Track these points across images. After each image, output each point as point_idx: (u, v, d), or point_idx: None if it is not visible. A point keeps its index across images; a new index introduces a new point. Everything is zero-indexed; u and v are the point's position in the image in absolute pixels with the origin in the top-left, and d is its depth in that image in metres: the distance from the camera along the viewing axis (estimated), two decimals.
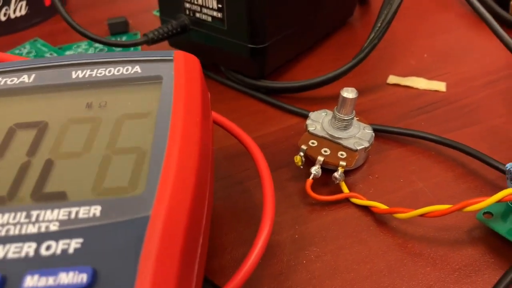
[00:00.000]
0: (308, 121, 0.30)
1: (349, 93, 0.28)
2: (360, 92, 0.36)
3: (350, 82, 0.37)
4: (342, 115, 0.28)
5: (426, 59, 0.39)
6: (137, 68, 0.22)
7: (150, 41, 0.35)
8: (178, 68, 0.22)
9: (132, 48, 0.41)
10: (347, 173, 0.29)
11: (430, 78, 0.37)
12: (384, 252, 0.25)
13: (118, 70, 0.22)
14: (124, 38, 0.44)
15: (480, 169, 0.29)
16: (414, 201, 0.28)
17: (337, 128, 0.29)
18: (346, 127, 0.29)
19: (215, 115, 0.27)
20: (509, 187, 0.24)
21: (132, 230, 0.16)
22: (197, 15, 0.35)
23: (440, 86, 0.36)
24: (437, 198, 0.28)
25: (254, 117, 0.34)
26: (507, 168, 0.24)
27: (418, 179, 0.29)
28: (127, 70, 0.22)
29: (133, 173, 0.18)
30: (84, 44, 0.43)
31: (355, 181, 0.29)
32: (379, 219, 0.27)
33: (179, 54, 0.23)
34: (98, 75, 0.22)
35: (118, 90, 0.22)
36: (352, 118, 0.29)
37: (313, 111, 0.33)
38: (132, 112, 0.21)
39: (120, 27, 0.45)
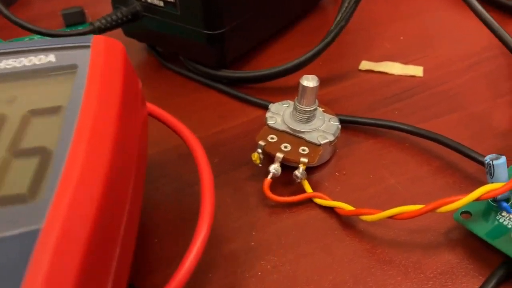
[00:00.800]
0: (268, 114, 0.27)
1: (309, 81, 0.24)
2: (330, 80, 0.33)
3: (319, 69, 0.34)
4: (303, 106, 0.25)
5: (402, 42, 0.36)
6: (51, 57, 0.19)
7: (97, 31, 0.32)
8: (95, 56, 0.19)
9: None
10: (311, 170, 0.26)
11: (406, 62, 0.34)
12: (350, 260, 0.22)
13: (30, 61, 0.19)
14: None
15: (460, 162, 0.26)
16: (386, 200, 0.25)
17: (299, 121, 0.26)
18: (308, 120, 0.26)
19: (154, 108, 0.24)
20: (489, 183, 0.21)
21: (19, 246, 0.13)
22: (149, 0, 0.32)
23: (416, 71, 0.33)
24: (411, 195, 0.25)
25: (214, 111, 0.31)
26: (486, 162, 0.21)
27: (390, 174, 0.26)
28: (40, 60, 0.19)
29: (35, 178, 0.15)
30: (37, 37, 0.40)
31: (320, 178, 0.26)
32: (345, 222, 0.24)
33: (98, 40, 0.20)
34: (7, 66, 0.19)
35: (28, 83, 0.19)
36: (315, 109, 0.26)
37: (275, 102, 0.30)
38: (41, 108, 0.18)
39: (75, 18, 0.41)
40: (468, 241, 0.22)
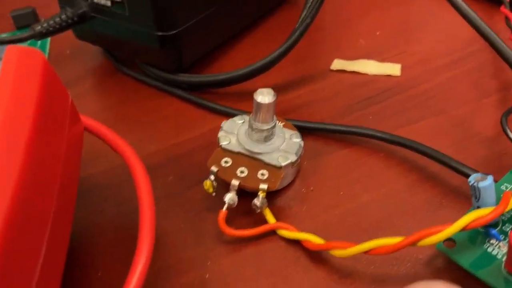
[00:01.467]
0: (221, 133, 0.24)
1: (264, 96, 0.21)
2: (299, 82, 0.30)
3: (287, 70, 0.31)
4: (260, 125, 0.22)
5: (379, 38, 0.33)
6: None
7: (38, 35, 0.28)
8: (6, 68, 0.16)
9: None
10: (274, 191, 0.23)
11: (382, 59, 0.31)
12: None
13: None
14: None
15: (441, 173, 0.23)
16: (358, 221, 0.22)
17: (256, 141, 0.23)
18: (266, 139, 0.23)
19: (90, 123, 0.21)
20: (474, 206, 0.18)
21: None
22: None
23: (394, 69, 0.30)
24: (386, 215, 0.22)
25: (171, 120, 0.28)
26: (471, 183, 0.18)
27: (364, 190, 0.23)
28: None
29: None
30: None
31: (284, 199, 0.23)
32: (312, 251, 0.21)
33: (11, 50, 0.17)
34: None
35: None
36: (274, 127, 0.22)
37: (238, 110, 0.27)
38: None
39: (26, 19, 0.38)
40: (452, 268, 0.19)
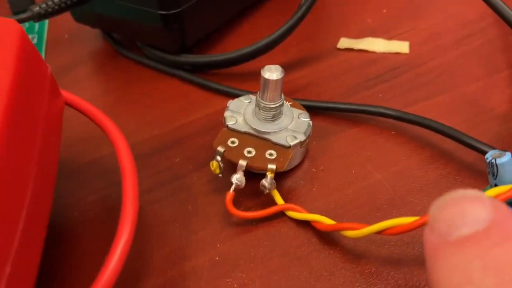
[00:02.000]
0: (227, 113, 0.23)
1: (272, 72, 0.21)
2: (305, 61, 0.29)
3: (293, 49, 0.30)
4: (267, 103, 0.21)
5: (385, 15, 0.32)
6: None
7: (37, 17, 0.28)
8: None
9: None
10: (282, 172, 0.23)
11: (390, 37, 0.30)
12: (330, 274, 0.19)
13: None
14: None
15: (454, 150, 0.23)
16: (371, 201, 0.21)
17: (263, 120, 0.22)
18: (274, 118, 0.22)
19: (73, 98, 0.21)
20: (491, 183, 0.17)
21: None
22: None
23: (402, 46, 0.29)
24: (399, 194, 0.21)
25: (174, 102, 0.28)
26: (488, 160, 0.17)
27: (375, 168, 0.23)
28: None
29: None
30: None
31: (294, 180, 0.23)
32: (323, 232, 0.20)
33: None
34: None
35: None
36: (281, 105, 0.22)
37: (243, 90, 0.27)
38: None
39: (23, 3, 0.37)
40: None
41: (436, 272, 0.13)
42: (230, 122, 0.22)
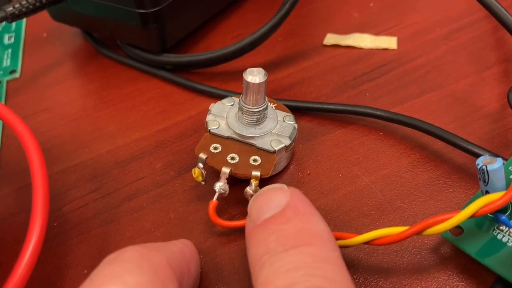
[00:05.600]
0: (209, 117, 0.22)
1: (254, 75, 0.20)
2: (290, 59, 0.28)
3: (278, 46, 0.29)
4: (250, 107, 0.21)
5: (372, 9, 0.31)
6: None
7: (10, 17, 0.26)
8: None
9: None
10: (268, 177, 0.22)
11: (377, 33, 0.29)
12: None
13: None
14: None
15: (444, 152, 0.22)
16: (357, 205, 0.21)
17: (247, 124, 0.21)
18: (258, 122, 0.21)
19: None
20: (482, 190, 0.17)
21: None
22: None
23: (390, 42, 0.28)
24: (388, 198, 0.21)
25: (156, 104, 0.27)
26: (479, 166, 0.17)
27: (363, 172, 0.22)
28: None
29: None
30: None
31: (280, 182, 0.22)
32: None
33: None
34: None
35: None
36: (265, 109, 0.21)
37: (227, 91, 0.26)
38: None
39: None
40: (459, 255, 0.18)
41: (248, 252, 0.16)
42: (212, 127, 0.21)
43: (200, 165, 0.20)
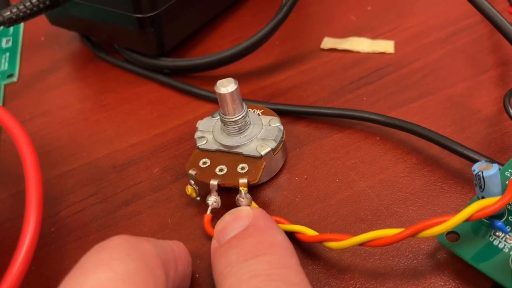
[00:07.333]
0: (197, 134, 0.22)
1: (225, 86, 0.20)
2: (288, 63, 0.28)
3: (276, 50, 0.29)
4: (230, 117, 0.21)
5: (370, 13, 0.31)
6: None
7: (7, 22, 0.27)
8: None
9: None
10: (263, 184, 0.22)
11: (375, 36, 0.29)
12: None
13: None
14: None
15: (441, 156, 0.22)
16: (354, 210, 0.21)
17: (231, 134, 0.21)
18: (241, 130, 0.21)
19: None
20: (478, 196, 0.17)
21: None
22: None
23: (387, 46, 0.28)
24: (385, 203, 0.21)
25: (153, 108, 0.27)
26: (475, 172, 0.17)
27: (359, 176, 0.22)
28: None
29: None
30: None
31: (277, 188, 0.22)
32: (308, 245, 0.20)
33: None
34: None
35: None
36: (245, 116, 0.21)
37: (214, 103, 0.26)
38: None
39: None
40: (456, 260, 0.18)
41: (213, 269, 0.17)
42: (200, 143, 0.22)
43: (191, 181, 0.21)
